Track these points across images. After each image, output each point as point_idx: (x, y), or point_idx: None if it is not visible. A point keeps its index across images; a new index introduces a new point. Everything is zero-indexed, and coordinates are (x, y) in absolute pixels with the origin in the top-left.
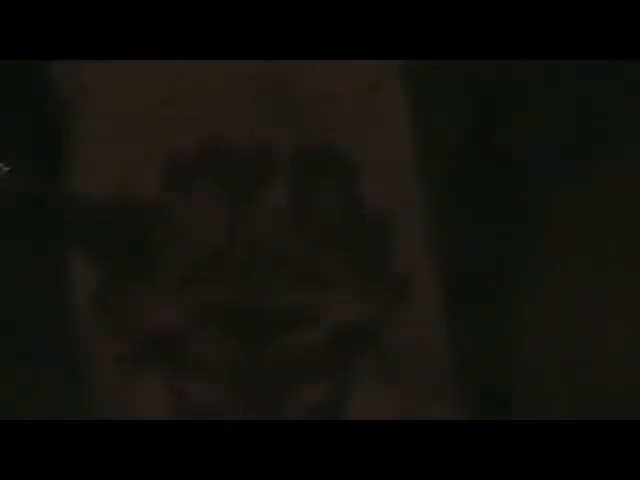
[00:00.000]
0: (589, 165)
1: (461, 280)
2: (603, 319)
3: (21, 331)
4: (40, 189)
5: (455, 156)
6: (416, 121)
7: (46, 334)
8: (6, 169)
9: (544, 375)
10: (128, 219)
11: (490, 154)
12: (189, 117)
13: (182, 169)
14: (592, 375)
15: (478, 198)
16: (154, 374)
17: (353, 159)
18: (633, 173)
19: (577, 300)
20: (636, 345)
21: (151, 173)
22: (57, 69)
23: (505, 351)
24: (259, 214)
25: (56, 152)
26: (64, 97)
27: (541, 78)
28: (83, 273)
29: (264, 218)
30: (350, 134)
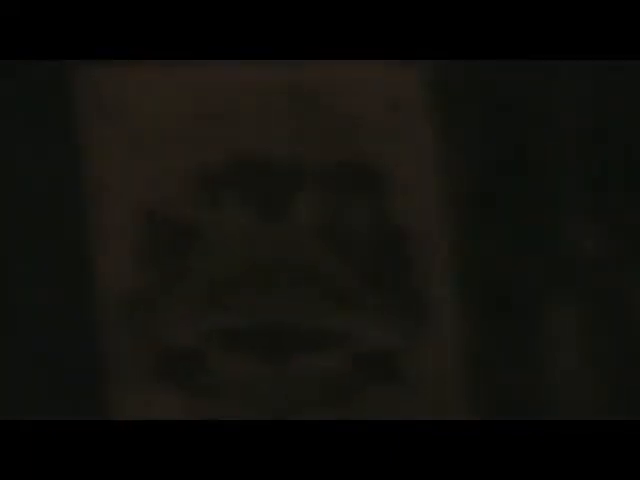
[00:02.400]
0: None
1: (485, 300)
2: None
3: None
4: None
5: (482, 173)
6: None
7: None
8: None
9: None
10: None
11: (518, 170)
12: (219, 133)
13: (211, 185)
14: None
15: (504, 216)
16: (172, 392)
17: (380, 175)
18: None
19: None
20: None
21: (181, 189)
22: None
23: (525, 369)
24: (286, 231)
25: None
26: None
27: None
28: (110, 287)
29: (291, 235)
30: (377, 150)
